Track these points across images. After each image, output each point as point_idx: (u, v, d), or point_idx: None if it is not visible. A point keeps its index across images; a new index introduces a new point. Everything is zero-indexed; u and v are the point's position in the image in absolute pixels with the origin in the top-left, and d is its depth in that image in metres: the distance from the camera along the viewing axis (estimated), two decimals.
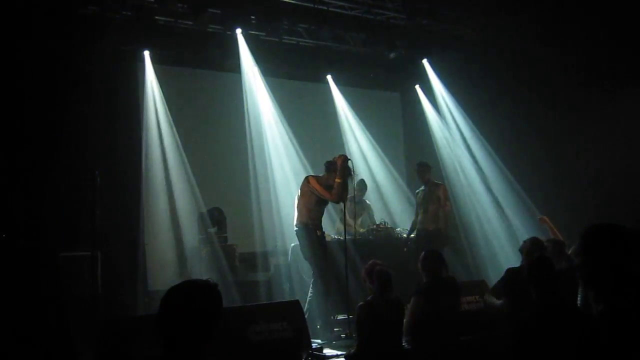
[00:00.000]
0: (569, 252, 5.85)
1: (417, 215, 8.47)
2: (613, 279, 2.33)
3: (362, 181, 9.16)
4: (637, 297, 2.29)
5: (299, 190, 7.05)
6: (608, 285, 2.34)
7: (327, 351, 5.93)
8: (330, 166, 6.99)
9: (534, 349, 3.50)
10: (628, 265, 2.35)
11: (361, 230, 8.64)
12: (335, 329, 6.86)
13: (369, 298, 4.74)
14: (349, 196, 7.92)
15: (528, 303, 3.95)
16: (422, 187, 8.47)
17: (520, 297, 5.07)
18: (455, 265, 8.64)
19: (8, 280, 4.86)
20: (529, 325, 3.64)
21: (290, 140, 9.47)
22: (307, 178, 7.06)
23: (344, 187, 6.85)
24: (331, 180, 6.89)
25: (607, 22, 8.51)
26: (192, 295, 2.35)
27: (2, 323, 4.46)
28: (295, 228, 6.96)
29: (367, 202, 9.36)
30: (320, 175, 7.10)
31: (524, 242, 5.89)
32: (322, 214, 7.09)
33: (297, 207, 6.97)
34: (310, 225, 6.87)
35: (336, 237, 8.08)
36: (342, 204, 7.27)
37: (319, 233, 6.96)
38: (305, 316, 6.06)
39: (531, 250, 5.67)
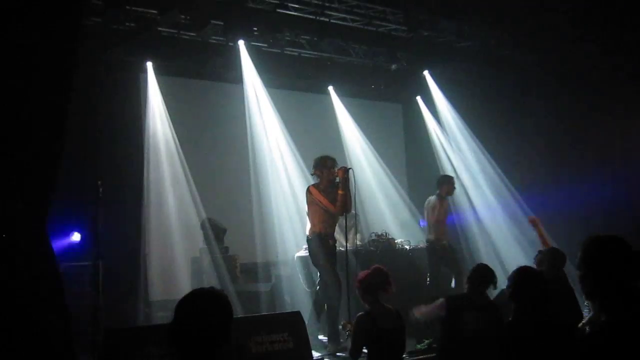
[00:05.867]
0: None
1: (439, 225, 8.43)
2: (616, 292, 2.34)
3: None
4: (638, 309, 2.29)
5: (306, 202, 7.05)
6: (611, 298, 2.35)
7: None
8: (319, 164, 6.97)
9: None
10: (629, 278, 2.36)
11: (358, 242, 8.68)
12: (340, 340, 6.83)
13: (369, 309, 4.68)
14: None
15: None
16: (437, 198, 8.44)
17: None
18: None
19: (9, 290, 4.86)
20: (505, 341, 3.64)
21: (292, 151, 9.48)
22: (308, 189, 7.05)
23: (347, 197, 6.83)
24: (331, 176, 6.87)
25: (614, 33, 8.53)
26: (206, 304, 2.40)
27: (2, 332, 4.47)
28: (309, 237, 6.97)
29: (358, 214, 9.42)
30: (317, 182, 7.05)
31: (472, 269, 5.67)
32: (336, 220, 7.07)
33: (308, 217, 6.99)
34: (323, 235, 6.87)
35: (341, 248, 8.07)
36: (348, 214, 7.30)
37: (331, 242, 6.97)
38: (310, 321, 6.04)
39: (472, 276, 5.61)
